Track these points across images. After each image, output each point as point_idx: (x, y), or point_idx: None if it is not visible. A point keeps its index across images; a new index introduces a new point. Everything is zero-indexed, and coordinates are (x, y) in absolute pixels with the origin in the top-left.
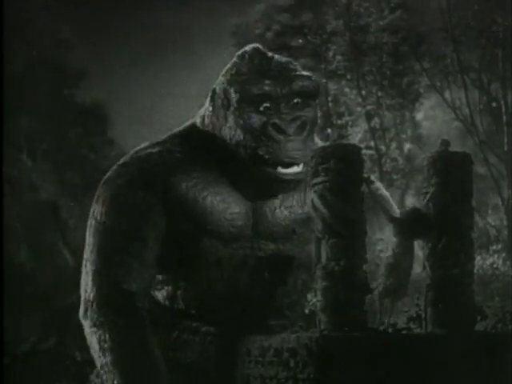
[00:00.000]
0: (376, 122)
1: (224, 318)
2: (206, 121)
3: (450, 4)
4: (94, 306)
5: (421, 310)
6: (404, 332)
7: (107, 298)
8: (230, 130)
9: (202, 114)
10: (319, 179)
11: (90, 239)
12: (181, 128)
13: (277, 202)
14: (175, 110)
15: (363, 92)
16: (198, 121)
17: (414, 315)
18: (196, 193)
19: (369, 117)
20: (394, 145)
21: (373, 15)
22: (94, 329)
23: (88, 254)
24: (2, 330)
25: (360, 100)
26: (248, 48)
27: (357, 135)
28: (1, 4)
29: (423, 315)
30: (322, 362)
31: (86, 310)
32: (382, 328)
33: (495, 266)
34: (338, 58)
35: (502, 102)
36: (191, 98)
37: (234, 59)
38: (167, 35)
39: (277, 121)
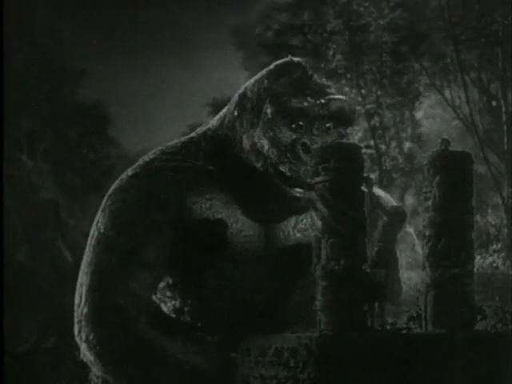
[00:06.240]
0: (376, 121)
1: (229, 330)
2: (227, 124)
3: (449, 3)
4: (85, 324)
5: (421, 309)
6: (404, 331)
7: (101, 315)
8: (254, 138)
9: (221, 116)
10: (319, 178)
11: (90, 249)
12: (194, 135)
13: (290, 224)
14: (175, 109)
15: (363, 91)
16: (214, 123)
17: (414, 315)
18: (210, 215)
19: (369, 116)
20: (393, 144)
21: (373, 14)
22: (90, 351)
23: (85, 266)
24: (2, 330)
25: (360, 99)
26: (290, 60)
27: (356, 134)
28: (1, 4)
29: (423, 315)
30: (321, 362)
31: (79, 331)
32: (381, 328)
33: (495, 265)
34: (338, 57)
35: (502, 101)
36: (191, 97)
37: (271, 67)
38: (167, 35)
39: (307, 141)
